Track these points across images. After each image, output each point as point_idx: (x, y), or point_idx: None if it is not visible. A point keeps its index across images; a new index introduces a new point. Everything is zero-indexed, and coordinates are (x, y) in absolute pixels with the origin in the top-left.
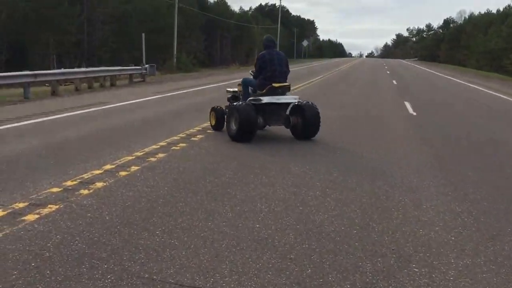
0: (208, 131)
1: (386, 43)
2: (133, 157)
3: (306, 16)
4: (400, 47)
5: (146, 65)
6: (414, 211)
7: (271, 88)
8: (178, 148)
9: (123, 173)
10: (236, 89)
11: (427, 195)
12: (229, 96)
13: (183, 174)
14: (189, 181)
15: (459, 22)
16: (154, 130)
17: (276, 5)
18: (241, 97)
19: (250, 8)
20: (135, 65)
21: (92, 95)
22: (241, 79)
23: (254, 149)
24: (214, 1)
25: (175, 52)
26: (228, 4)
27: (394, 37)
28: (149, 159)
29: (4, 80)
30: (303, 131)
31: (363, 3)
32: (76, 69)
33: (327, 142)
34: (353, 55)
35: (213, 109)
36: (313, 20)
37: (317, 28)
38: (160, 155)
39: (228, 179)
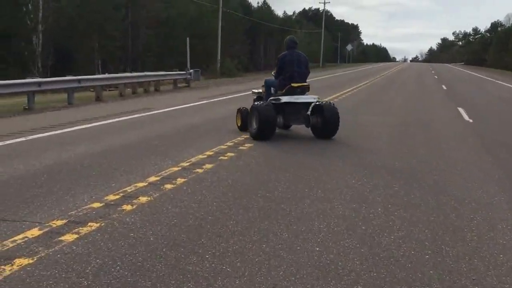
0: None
1: (431, 47)
2: (179, 168)
3: (349, 20)
4: (445, 51)
5: (191, 70)
6: (490, 232)
7: (290, 88)
8: (226, 158)
9: (168, 186)
10: (260, 90)
11: (500, 213)
12: (255, 97)
13: (232, 187)
14: (239, 196)
15: (506, 26)
16: (200, 138)
17: (320, 9)
18: (264, 97)
19: (294, 13)
20: (179, 70)
21: (136, 101)
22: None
23: (307, 159)
24: (258, 6)
25: (219, 57)
26: (272, 8)
27: (439, 41)
28: (195, 170)
29: (48, 86)
30: (323, 130)
31: (407, 7)
32: (120, 74)
33: (382, 152)
34: (397, 60)
35: (239, 110)
36: (357, 24)
37: (361, 32)
38: (208, 165)
39: (281, 193)
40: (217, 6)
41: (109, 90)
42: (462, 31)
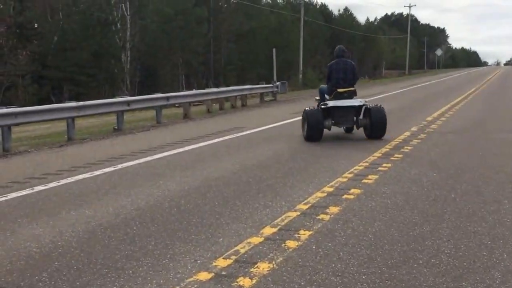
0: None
1: None
2: (297, 213)
3: (435, 23)
4: None
5: (277, 83)
6: None
7: (336, 93)
8: (352, 196)
9: (291, 244)
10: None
11: None
12: (317, 103)
13: (377, 246)
14: (393, 263)
15: None
16: (309, 166)
17: (404, 13)
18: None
19: (375, 19)
20: (265, 83)
21: (225, 118)
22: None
23: (463, 200)
24: (339, 13)
25: (301, 68)
26: (354, 15)
27: None
28: (319, 217)
29: (137, 104)
30: (372, 131)
31: (499, 7)
32: (207, 90)
33: None
34: (489, 63)
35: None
36: (443, 28)
37: (448, 36)
38: (332, 209)
39: (453, 259)
40: (298, 15)
41: (195, 105)
42: None
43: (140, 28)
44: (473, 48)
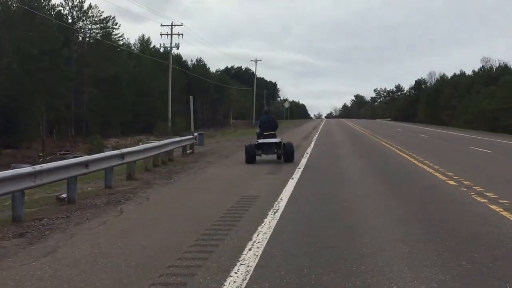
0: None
1: (345, 103)
2: None
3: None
4: (364, 108)
5: (196, 133)
6: None
7: (264, 135)
8: None
9: None
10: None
11: None
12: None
13: None
14: None
15: (429, 83)
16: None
17: (242, 67)
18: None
19: (217, 71)
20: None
21: (183, 179)
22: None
23: None
24: (192, 63)
25: (169, 115)
26: (208, 66)
27: (353, 98)
28: None
29: (94, 166)
30: (286, 158)
31: (312, 66)
32: (153, 143)
33: None
34: (311, 116)
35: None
36: (275, 82)
37: (279, 90)
38: None
39: None
40: (160, 61)
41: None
42: (383, 88)
43: (1, 67)
44: (300, 101)
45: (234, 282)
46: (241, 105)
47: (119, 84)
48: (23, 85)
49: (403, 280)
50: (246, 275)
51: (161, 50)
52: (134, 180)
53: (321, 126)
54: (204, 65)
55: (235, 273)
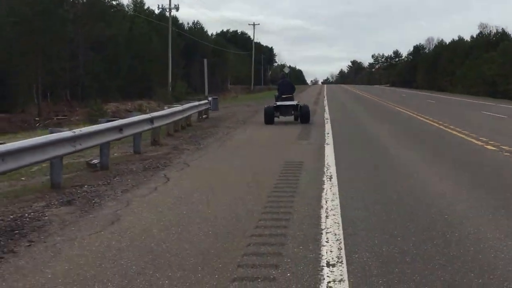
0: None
1: (341, 69)
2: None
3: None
4: (361, 73)
5: (210, 98)
6: None
7: (282, 98)
8: None
9: None
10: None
11: None
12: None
13: None
14: None
15: (427, 48)
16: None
17: (238, 31)
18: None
19: (212, 34)
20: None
21: (211, 144)
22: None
23: None
24: (189, 26)
25: (169, 80)
26: (205, 29)
27: (349, 63)
28: None
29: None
30: (302, 119)
31: (308, 31)
32: (177, 108)
33: None
34: (307, 82)
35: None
36: (272, 47)
37: (276, 55)
38: None
39: None
40: (154, 24)
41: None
42: (381, 54)
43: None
44: (297, 67)
45: (331, 251)
46: (238, 70)
47: (115, 47)
48: (16, 47)
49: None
50: (339, 244)
51: (156, 11)
52: (159, 145)
53: (325, 92)
54: (202, 28)
55: (326, 242)
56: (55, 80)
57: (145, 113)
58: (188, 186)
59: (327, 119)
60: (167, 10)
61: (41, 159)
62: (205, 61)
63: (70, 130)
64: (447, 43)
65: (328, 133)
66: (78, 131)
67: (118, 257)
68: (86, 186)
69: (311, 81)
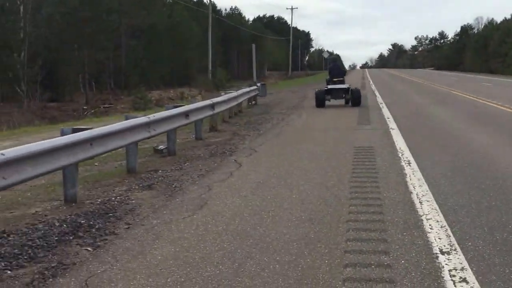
0: None
1: (381, 53)
2: None
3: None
4: (403, 57)
5: (258, 84)
6: None
7: (333, 81)
8: None
9: None
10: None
11: None
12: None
13: None
14: None
15: (476, 29)
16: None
17: (275, 16)
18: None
19: (248, 20)
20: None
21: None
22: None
23: None
24: (226, 12)
25: (210, 67)
26: (243, 15)
27: (390, 47)
28: None
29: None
30: (353, 103)
31: (347, 15)
32: (234, 93)
33: None
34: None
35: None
36: (308, 32)
37: (312, 40)
38: None
39: None
40: (192, 11)
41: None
42: (425, 36)
43: (44, 18)
44: (334, 52)
45: (440, 239)
46: (275, 56)
47: (157, 35)
48: (65, 36)
49: None
50: (445, 231)
51: None
52: (217, 131)
53: (368, 76)
54: (240, 14)
55: (430, 228)
56: (100, 69)
57: (187, 101)
58: (262, 171)
59: (381, 103)
60: None
61: (122, 144)
62: (253, 46)
63: (144, 115)
64: (498, 22)
65: (388, 118)
66: (151, 116)
67: (219, 241)
68: (160, 171)
69: (350, 66)
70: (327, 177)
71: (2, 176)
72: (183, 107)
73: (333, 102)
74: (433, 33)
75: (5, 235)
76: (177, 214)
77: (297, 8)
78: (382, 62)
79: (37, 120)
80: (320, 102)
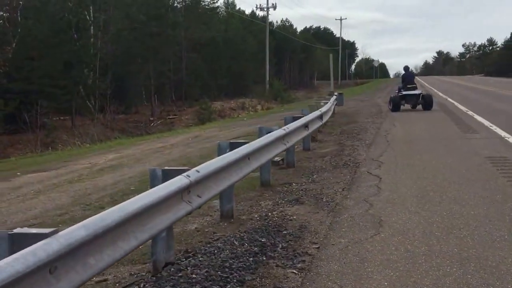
0: None
1: (426, 61)
2: None
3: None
4: (450, 64)
5: (336, 94)
6: None
7: (407, 87)
8: None
9: None
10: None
11: None
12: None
13: None
14: None
15: None
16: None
17: (321, 27)
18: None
19: (296, 30)
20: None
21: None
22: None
23: None
24: (277, 24)
25: (267, 78)
26: (295, 26)
27: (435, 54)
28: None
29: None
30: (425, 107)
31: (387, 24)
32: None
33: None
34: (389, 75)
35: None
36: (353, 41)
37: (357, 49)
38: None
39: None
40: (246, 24)
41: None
42: (473, 43)
43: (113, 34)
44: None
45: None
46: (324, 66)
47: (215, 48)
48: (132, 51)
49: None
50: None
51: (255, 10)
52: (318, 141)
53: (426, 84)
54: (291, 25)
55: None
56: (163, 82)
57: (253, 110)
58: (409, 184)
59: (467, 111)
60: (264, 9)
61: (270, 157)
62: (330, 56)
63: (279, 127)
64: None
65: (491, 126)
66: (286, 128)
67: (436, 264)
68: (294, 183)
69: (395, 74)
70: (491, 190)
71: (197, 194)
72: (303, 118)
73: (406, 106)
74: (481, 40)
75: (190, 254)
76: (359, 232)
77: (346, 18)
78: (427, 69)
79: (108, 132)
80: (395, 106)
